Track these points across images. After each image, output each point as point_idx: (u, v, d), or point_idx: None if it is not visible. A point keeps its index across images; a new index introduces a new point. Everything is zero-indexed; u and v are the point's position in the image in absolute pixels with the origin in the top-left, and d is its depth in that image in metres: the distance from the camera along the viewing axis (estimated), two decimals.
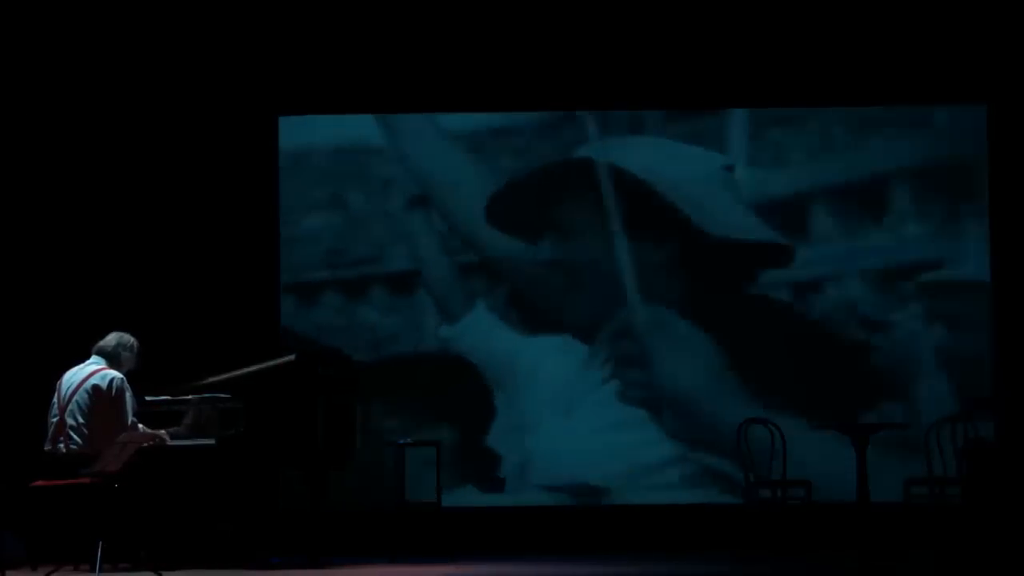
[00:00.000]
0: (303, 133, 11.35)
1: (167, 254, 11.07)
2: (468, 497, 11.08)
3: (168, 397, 9.25)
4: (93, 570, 7.96)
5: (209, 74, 11.15)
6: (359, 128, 11.39)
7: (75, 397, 8.84)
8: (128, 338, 9.06)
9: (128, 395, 8.87)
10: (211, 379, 9.36)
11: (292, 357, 9.54)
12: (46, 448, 8.88)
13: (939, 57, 11.05)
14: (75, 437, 8.79)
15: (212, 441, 8.98)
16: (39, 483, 8.71)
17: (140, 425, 8.91)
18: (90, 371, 8.93)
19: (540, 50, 11.17)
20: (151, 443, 8.71)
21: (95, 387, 8.84)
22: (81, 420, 8.80)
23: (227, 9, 11.06)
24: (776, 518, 10.05)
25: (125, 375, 8.93)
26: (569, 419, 11.20)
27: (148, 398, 9.17)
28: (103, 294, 10.82)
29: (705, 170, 11.31)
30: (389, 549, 9.97)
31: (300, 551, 9.35)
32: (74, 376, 8.94)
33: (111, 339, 9.04)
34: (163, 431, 9.00)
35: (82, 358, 9.05)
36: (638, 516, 11.00)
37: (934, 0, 11.01)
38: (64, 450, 8.80)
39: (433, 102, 11.32)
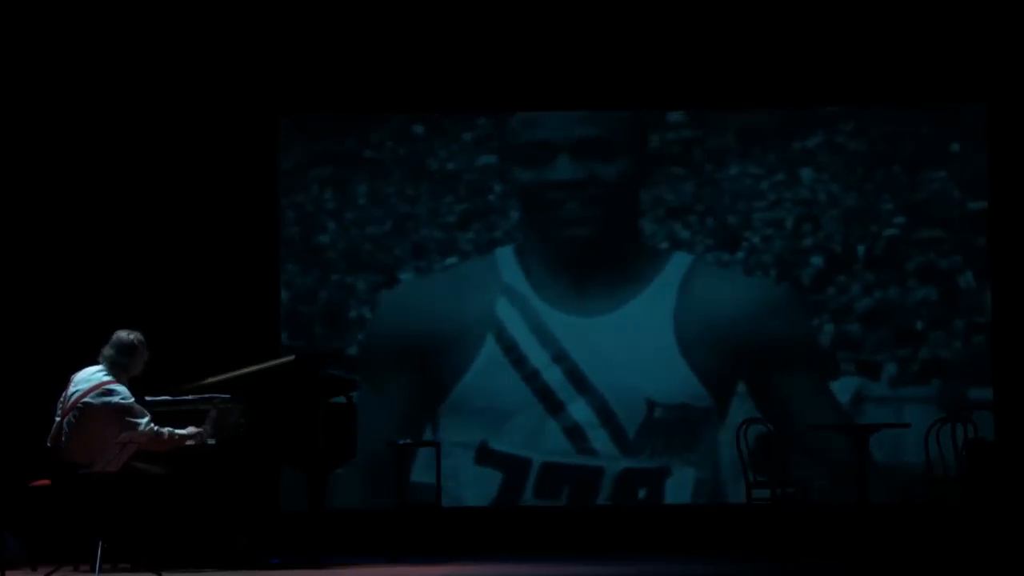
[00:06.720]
0: (306, 134, 11.37)
1: (168, 254, 11.07)
2: (468, 497, 11.08)
3: (168, 397, 9.23)
4: (93, 570, 7.96)
5: (214, 79, 11.14)
6: (362, 130, 11.41)
7: (78, 405, 8.71)
8: (124, 339, 8.78)
9: (133, 408, 8.65)
10: (211, 379, 9.36)
11: (292, 357, 9.55)
12: (48, 444, 8.80)
13: (939, 57, 11.05)
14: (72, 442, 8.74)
15: (212, 441, 8.96)
16: (39, 483, 8.71)
17: (160, 428, 8.72)
18: (96, 382, 8.71)
19: (546, 52, 11.16)
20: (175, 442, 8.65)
21: (87, 405, 8.62)
22: (79, 428, 8.72)
23: (228, 10, 11.06)
24: (776, 518, 10.04)
25: (132, 378, 8.82)
26: None
27: (148, 398, 9.13)
28: (104, 294, 10.81)
29: None
30: (389, 549, 9.98)
31: (300, 551, 9.35)
32: (82, 383, 8.74)
33: (108, 346, 8.80)
34: (190, 428, 8.84)
35: (82, 359, 8.91)
36: (638, 516, 11.00)
37: (934, 0, 11.01)
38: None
39: (434, 104, 11.32)
